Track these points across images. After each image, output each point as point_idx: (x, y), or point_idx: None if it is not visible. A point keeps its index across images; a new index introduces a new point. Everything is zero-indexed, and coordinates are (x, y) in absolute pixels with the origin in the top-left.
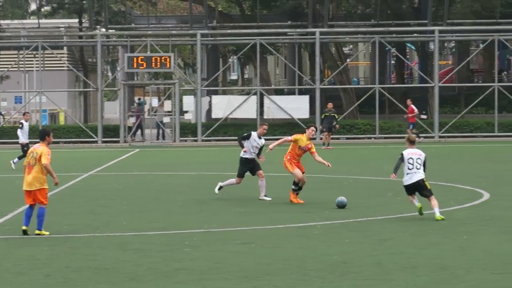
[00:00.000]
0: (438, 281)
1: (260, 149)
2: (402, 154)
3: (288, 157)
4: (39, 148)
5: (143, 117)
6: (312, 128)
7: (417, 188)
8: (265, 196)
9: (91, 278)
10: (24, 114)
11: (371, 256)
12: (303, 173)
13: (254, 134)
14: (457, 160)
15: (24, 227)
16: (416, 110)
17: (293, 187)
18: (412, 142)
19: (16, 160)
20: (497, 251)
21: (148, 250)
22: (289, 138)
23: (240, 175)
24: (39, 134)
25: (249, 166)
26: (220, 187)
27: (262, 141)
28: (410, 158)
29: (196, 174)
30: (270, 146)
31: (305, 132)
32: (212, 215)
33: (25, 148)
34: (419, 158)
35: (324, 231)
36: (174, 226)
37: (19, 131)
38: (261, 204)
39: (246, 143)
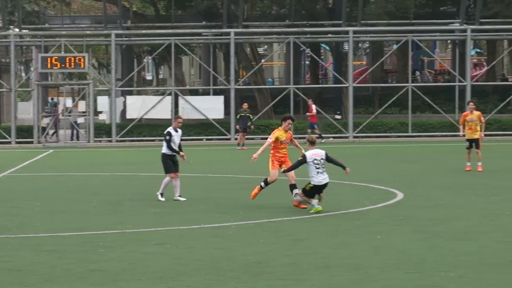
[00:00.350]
0: (352, 281)
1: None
2: (304, 156)
3: (272, 151)
4: None
5: (57, 117)
6: (289, 121)
7: (323, 188)
8: (180, 196)
9: (4, 280)
10: None
11: (286, 256)
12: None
13: (171, 131)
14: (371, 160)
15: None
16: (314, 110)
17: (262, 184)
18: (313, 143)
19: None
20: (410, 251)
21: (62, 251)
22: (270, 140)
23: (169, 170)
24: None
25: (172, 160)
26: (161, 194)
27: (180, 132)
28: (315, 159)
29: (110, 175)
30: (255, 155)
31: (281, 125)
32: (126, 215)
33: None
34: (322, 159)
35: (239, 232)
36: (88, 227)
37: None
38: (175, 205)
39: (172, 145)
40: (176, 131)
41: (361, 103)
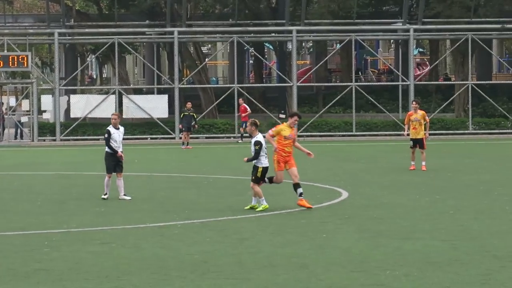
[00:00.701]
0: (297, 279)
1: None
2: (260, 144)
3: (277, 150)
4: None
5: (2, 116)
6: (295, 117)
7: (267, 171)
8: (125, 195)
9: None
10: None
11: (231, 255)
12: (287, 169)
13: (111, 129)
14: (316, 159)
15: None
16: (248, 109)
17: (266, 179)
18: (258, 126)
19: None
20: (355, 249)
21: (6, 251)
22: (270, 132)
23: (110, 170)
24: None
25: (116, 160)
26: (106, 193)
27: (122, 129)
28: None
29: (55, 174)
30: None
31: (286, 121)
32: (71, 215)
33: None
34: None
35: (184, 231)
36: (33, 226)
37: None
38: (120, 204)
39: (112, 143)
40: (117, 129)
41: (305, 102)
